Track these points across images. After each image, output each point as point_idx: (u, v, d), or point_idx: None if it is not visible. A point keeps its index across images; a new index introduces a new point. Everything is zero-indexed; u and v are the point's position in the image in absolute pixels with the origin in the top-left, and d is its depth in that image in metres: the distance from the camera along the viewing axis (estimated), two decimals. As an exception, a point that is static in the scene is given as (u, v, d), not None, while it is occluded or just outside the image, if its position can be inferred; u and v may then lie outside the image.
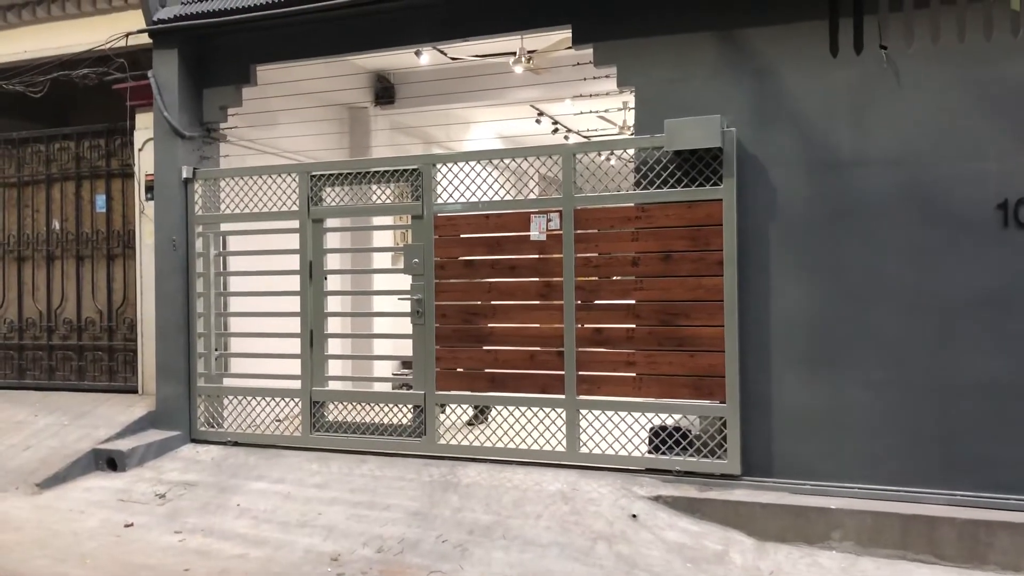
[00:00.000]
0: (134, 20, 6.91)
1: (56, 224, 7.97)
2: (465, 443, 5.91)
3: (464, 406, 6.13)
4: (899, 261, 4.96)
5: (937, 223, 4.88)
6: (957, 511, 4.62)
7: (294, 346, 6.40)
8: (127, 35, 6.87)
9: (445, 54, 8.27)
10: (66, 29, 7.57)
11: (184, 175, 6.72)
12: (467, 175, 5.94)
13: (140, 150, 7.27)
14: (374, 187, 6.46)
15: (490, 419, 6.28)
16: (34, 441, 6.55)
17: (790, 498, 4.94)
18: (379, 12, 6.18)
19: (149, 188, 7.07)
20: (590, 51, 5.76)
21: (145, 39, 6.82)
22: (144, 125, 7.15)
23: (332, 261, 6.82)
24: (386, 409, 6.23)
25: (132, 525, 5.18)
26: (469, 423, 6.35)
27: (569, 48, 6.31)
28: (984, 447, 4.76)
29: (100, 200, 7.76)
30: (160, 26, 6.65)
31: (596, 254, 5.61)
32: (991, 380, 4.76)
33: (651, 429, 5.46)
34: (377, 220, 7.81)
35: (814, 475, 5.06)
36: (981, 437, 4.77)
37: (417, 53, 7.90)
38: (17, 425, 6.91)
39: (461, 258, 5.97)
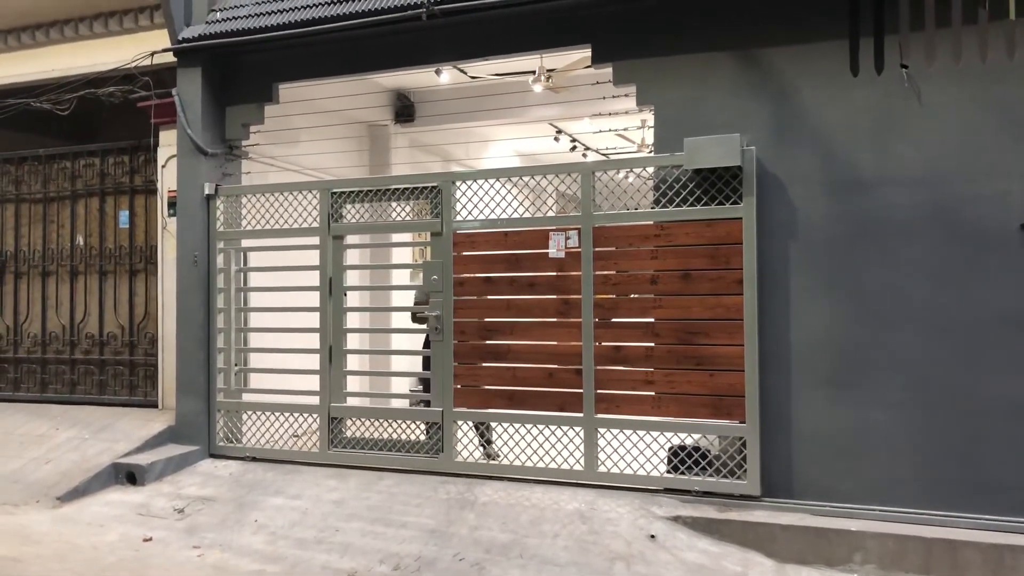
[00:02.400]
0: (159, 39, 7.03)
1: (80, 239, 8.07)
2: (482, 461, 5.89)
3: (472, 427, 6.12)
4: (921, 281, 4.92)
5: (960, 243, 4.85)
6: (981, 535, 4.55)
7: (313, 362, 6.43)
8: (152, 54, 6.96)
9: (465, 73, 8.32)
10: (93, 48, 7.69)
11: (206, 191, 6.79)
12: (486, 192, 5.97)
13: (163, 167, 7.36)
14: (393, 204, 6.50)
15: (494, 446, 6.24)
16: (55, 455, 6.61)
17: (811, 519, 4.89)
18: (400, 32, 6.25)
19: (172, 204, 7.15)
20: (609, 70, 5.79)
21: (170, 58, 6.91)
22: (168, 142, 7.24)
23: (351, 277, 6.85)
24: (404, 426, 6.24)
25: (151, 540, 5.20)
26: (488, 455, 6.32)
27: (588, 67, 6.32)
28: (1009, 470, 4.69)
29: (123, 216, 7.86)
30: (184, 45, 6.75)
31: (615, 272, 5.60)
32: (1015, 401, 4.70)
33: (670, 448, 5.43)
34: (396, 237, 7.84)
35: (835, 496, 5.01)
36: (1006, 459, 4.70)
37: (437, 72, 7.95)
38: (39, 438, 6.97)
39: (480, 275, 5.98)
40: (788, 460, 5.14)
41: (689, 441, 5.43)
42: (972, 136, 4.85)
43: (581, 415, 5.59)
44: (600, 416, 5.55)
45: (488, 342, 5.93)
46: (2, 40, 8.13)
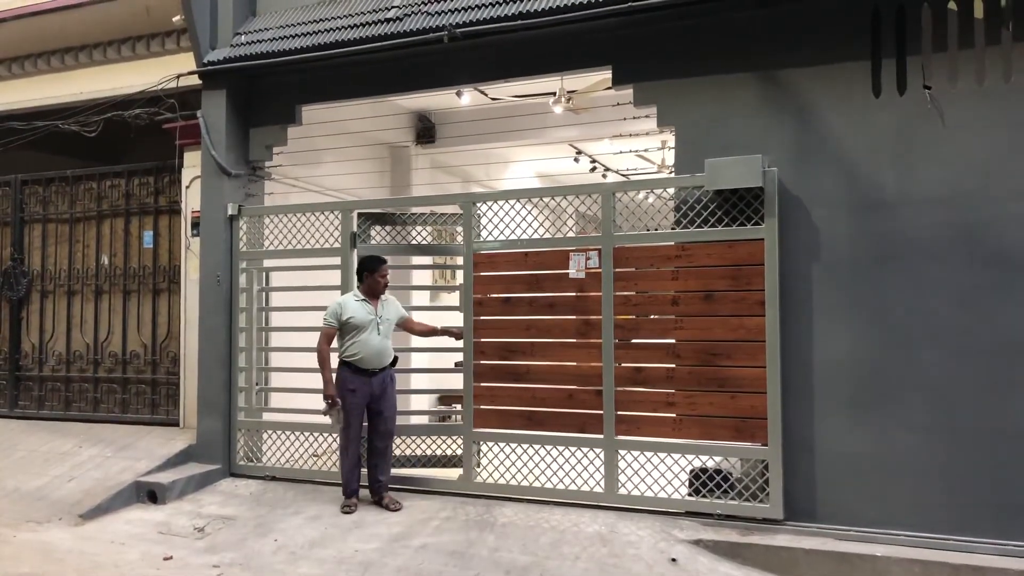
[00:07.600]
0: (185, 62, 7.13)
1: (105, 259, 8.17)
2: (502, 482, 5.87)
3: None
4: (947, 303, 4.86)
5: (985, 264, 4.79)
6: (1009, 562, 4.47)
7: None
8: (178, 76, 7.06)
9: (486, 94, 8.38)
10: (120, 71, 7.82)
11: (229, 212, 6.86)
12: (506, 213, 5.98)
13: (187, 187, 7.44)
14: (415, 225, 6.53)
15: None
16: (78, 472, 6.65)
17: (835, 544, 4.82)
18: (422, 54, 6.30)
19: (195, 224, 7.22)
20: (630, 91, 5.80)
21: (195, 80, 7.01)
22: (192, 163, 7.32)
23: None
24: (424, 445, 6.23)
25: (171, 558, 5.20)
26: None
27: (609, 88, 6.35)
28: (1038, 495, 4.61)
29: (148, 236, 7.93)
30: (210, 68, 6.84)
31: (635, 292, 5.59)
32: (1044, 426, 4.63)
33: (691, 471, 5.38)
34: (416, 259, 7.88)
35: (859, 521, 4.94)
36: (1035, 485, 4.63)
37: (458, 93, 8.02)
38: (62, 456, 7.03)
39: (500, 295, 5.99)
40: (811, 483, 5.08)
41: (711, 463, 5.38)
42: (997, 156, 4.80)
43: (601, 436, 5.56)
44: (620, 438, 5.52)
45: (508, 362, 5.92)
46: (32, 63, 8.29)
